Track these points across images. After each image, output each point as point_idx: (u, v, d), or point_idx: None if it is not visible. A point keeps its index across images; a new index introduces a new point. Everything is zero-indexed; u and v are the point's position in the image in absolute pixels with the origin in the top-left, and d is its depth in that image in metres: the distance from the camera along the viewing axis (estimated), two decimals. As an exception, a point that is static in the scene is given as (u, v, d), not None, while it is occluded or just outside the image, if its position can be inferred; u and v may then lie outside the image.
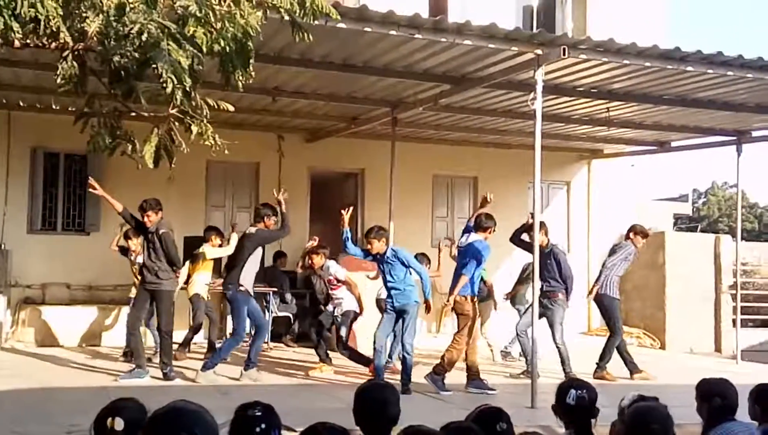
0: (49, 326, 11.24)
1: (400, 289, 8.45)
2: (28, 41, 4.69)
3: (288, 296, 11.98)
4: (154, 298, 8.70)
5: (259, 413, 2.76)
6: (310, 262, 9.74)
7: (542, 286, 9.03)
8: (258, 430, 2.70)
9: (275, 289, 11.69)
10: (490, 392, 8.38)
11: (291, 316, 12.07)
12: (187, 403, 2.32)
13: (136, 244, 9.66)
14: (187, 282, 10.19)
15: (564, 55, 7.57)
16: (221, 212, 12.85)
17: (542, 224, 9.00)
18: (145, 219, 8.60)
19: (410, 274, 8.59)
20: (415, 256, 9.99)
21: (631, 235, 9.95)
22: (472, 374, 8.62)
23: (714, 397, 4.07)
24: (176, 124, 5.24)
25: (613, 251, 10.05)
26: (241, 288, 8.69)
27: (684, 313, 13.77)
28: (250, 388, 8.19)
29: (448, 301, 8.53)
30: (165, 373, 8.57)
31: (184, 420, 2.25)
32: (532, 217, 8.38)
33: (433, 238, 13.69)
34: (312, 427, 2.86)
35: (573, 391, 3.68)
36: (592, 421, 3.68)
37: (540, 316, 8.49)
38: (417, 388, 8.34)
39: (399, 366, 8.84)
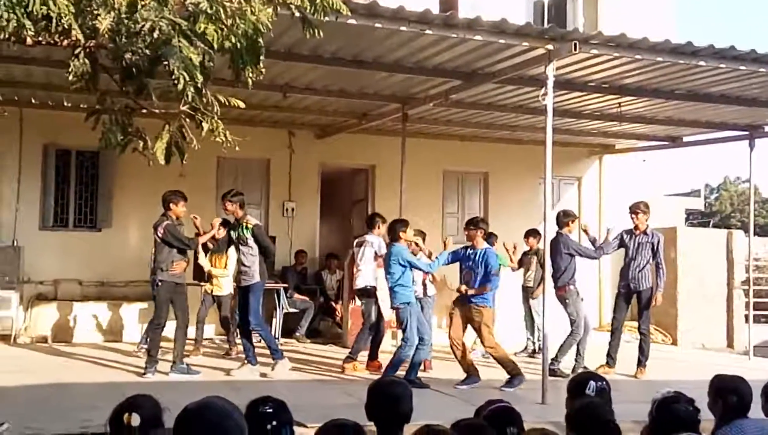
0: (61, 322, 11.31)
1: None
2: (40, 39, 4.71)
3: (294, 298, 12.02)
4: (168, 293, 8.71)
5: (270, 410, 2.76)
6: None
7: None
8: (269, 427, 2.70)
9: (285, 286, 11.72)
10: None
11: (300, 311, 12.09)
12: (219, 400, 2.27)
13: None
14: (211, 281, 10.34)
15: (575, 50, 7.55)
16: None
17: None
18: (179, 209, 8.72)
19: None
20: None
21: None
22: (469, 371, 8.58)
23: (729, 395, 4.00)
24: (187, 120, 5.25)
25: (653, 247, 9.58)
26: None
27: (696, 308, 13.71)
28: (262, 384, 8.21)
29: None
30: (175, 369, 8.58)
31: (212, 416, 2.20)
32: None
33: (444, 234, 13.66)
34: (325, 426, 2.86)
35: (592, 383, 3.50)
36: None
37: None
38: (428, 384, 8.37)
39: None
